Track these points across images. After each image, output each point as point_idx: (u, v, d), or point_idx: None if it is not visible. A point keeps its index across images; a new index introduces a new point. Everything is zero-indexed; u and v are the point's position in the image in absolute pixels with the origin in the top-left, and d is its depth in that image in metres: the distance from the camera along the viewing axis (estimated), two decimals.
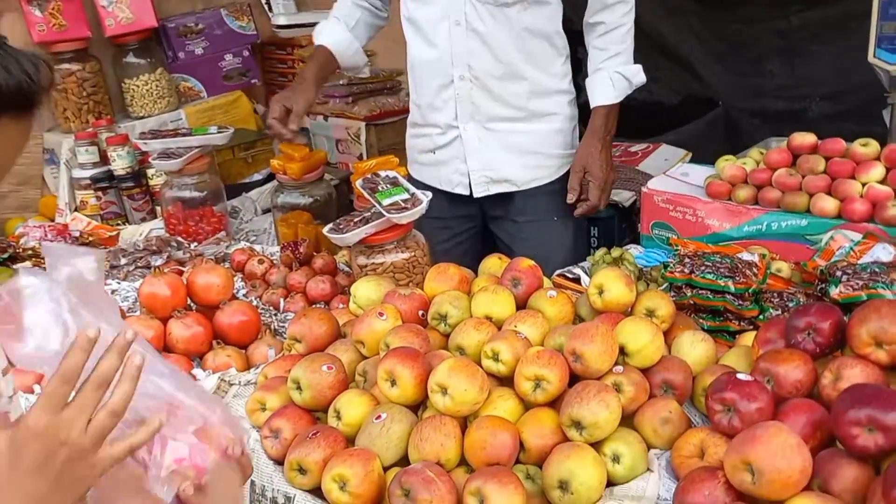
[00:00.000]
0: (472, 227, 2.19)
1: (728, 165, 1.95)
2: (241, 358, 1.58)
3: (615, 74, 2.05)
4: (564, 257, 2.05)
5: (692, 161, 2.83)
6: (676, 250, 1.70)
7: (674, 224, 1.95)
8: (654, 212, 1.98)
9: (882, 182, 1.75)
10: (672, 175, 2.09)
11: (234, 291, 1.76)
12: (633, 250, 1.99)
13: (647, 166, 2.85)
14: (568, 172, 2.11)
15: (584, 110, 2.17)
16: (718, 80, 3.95)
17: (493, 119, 2.03)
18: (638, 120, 3.98)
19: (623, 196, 2.58)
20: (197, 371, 1.52)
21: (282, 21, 3.15)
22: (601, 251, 1.85)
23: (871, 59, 2.07)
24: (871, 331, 1.14)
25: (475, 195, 2.09)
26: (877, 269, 1.51)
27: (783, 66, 3.80)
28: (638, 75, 2.09)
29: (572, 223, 2.16)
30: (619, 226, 2.60)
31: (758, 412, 1.11)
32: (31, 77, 0.75)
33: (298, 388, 1.31)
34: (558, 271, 1.86)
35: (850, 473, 1.00)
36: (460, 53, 1.97)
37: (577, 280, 1.81)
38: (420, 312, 1.51)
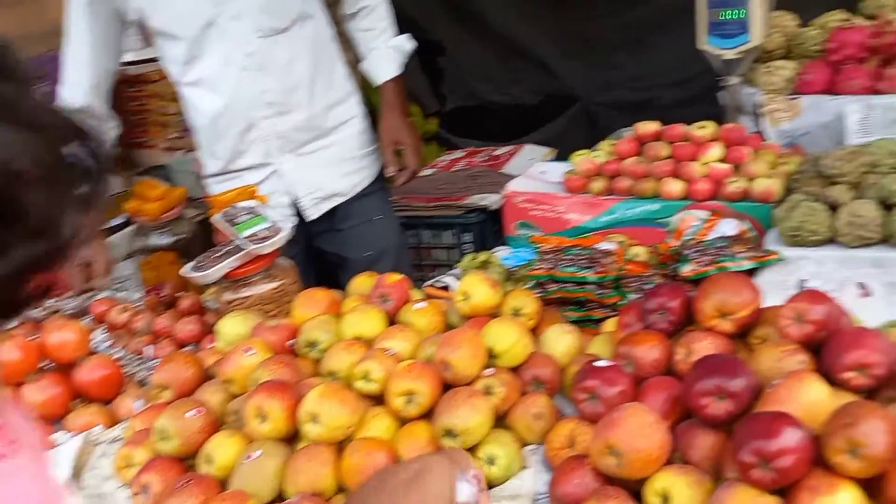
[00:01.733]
0: (297, 253, 2.19)
1: (581, 160, 2.01)
2: (107, 414, 1.51)
3: (389, 49, 2.19)
4: (397, 253, 2.22)
5: (559, 158, 2.93)
6: (538, 247, 1.74)
7: (537, 222, 2.00)
8: (516, 212, 2.03)
9: (721, 161, 1.86)
10: (531, 175, 2.15)
11: (95, 345, 1.68)
12: (502, 252, 2.02)
13: (512, 168, 2.92)
14: (380, 170, 2.24)
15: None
16: (574, 77, 4.09)
17: (303, 143, 2.08)
18: (501, 123, 4.10)
19: (491, 199, 2.63)
20: (58, 434, 1.44)
21: (129, 57, 3.05)
22: (468, 257, 1.87)
23: (700, 46, 2.19)
24: (714, 303, 1.20)
25: (309, 218, 2.14)
26: (721, 244, 1.60)
27: (631, 58, 3.97)
28: (407, 43, 2.25)
29: (394, 218, 2.33)
30: (490, 229, 2.64)
31: (619, 395, 1.15)
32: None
33: (165, 437, 1.26)
34: (428, 282, 1.87)
35: (705, 442, 1.04)
36: (255, 94, 1.99)
37: (446, 288, 1.82)
38: (290, 342, 1.48)
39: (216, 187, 2.17)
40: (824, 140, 2.01)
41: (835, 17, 2.27)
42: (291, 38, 1.97)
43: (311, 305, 1.55)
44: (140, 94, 3.13)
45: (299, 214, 2.14)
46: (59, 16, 2.05)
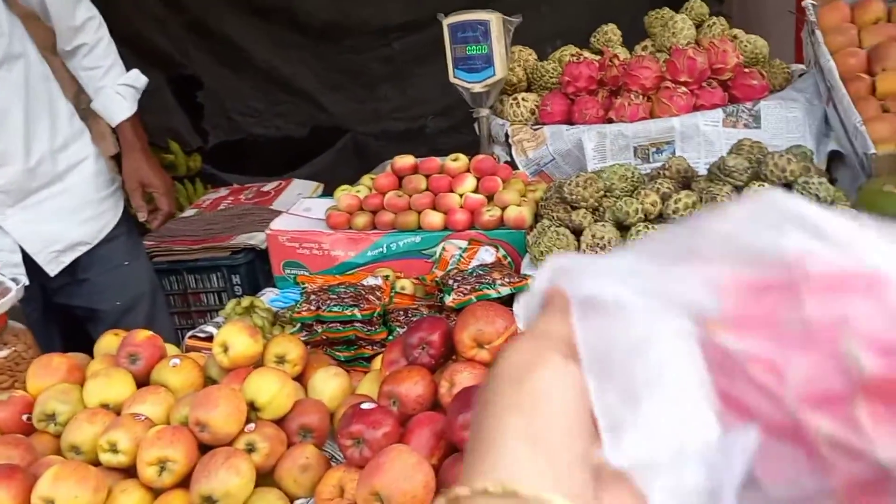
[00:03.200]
0: (33, 311, 1.99)
1: (344, 195, 2.00)
2: None
3: (121, 87, 2.06)
4: (152, 300, 2.10)
5: (328, 191, 2.91)
6: (304, 288, 1.70)
7: (303, 260, 1.96)
8: (282, 252, 1.97)
9: (476, 191, 1.93)
10: (295, 212, 2.10)
11: None
12: (269, 294, 1.96)
13: (280, 204, 2.85)
14: (124, 213, 2.11)
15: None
16: (341, 109, 4.12)
17: (29, 194, 1.89)
18: (267, 157, 4.02)
19: (258, 238, 2.55)
20: None
21: None
22: (232, 303, 1.79)
23: (451, 79, 2.27)
24: (471, 334, 1.23)
25: (52, 273, 1.96)
26: (480, 272, 1.65)
27: (395, 90, 4.07)
28: (139, 79, 2.12)
29: (146, 262, 2.22)
30: (261, 269, 2.56)
31: (384, 437, 1.13)
32: None
33: None
34: (191, 333, 1.76)
35: None
36: None
37: (210, 338, 1.73)
38: (25, 417, 1.32)
39: None
40: (567, 166, 2.16)
41: (568, 52, 2.46)
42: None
43: (47, 373, 1.39)
44: None
45: (31, 268, 1.92)
46: None
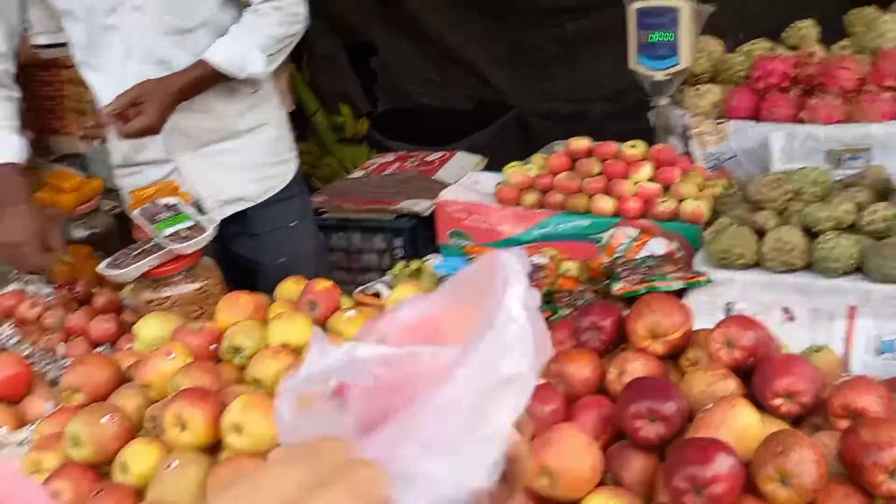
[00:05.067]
0: (212, 254, 2.11)
1: (514, 172, 2.02)
2: (13, 415, 1.42)
3: (245, 47, 1.90)
4: (315, 261, 2.11)
5: (489, 166, 2.94)
6: (471, 258, 1.73)
7: (469, 231, 2.00)
8: (449, 221, 2.02)
9: (651, 180, 1.89)
10: (464, 184, 2.14)
11: (1, 342, 1.58)
12: (434, 260, 2.01)
13: (443, 175, 2.91)
14: (295, 177, 2.13)
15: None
16: (508, 86, 4.12)
17: (206, 144, 1.97)
18: (433, 127, 4.09)
19: (422, 206, 2.61)
20: None
21: (42, 41, 2.89)
22: (400, 265, 1.85)
23: (631, 65, 2.23)
24: (646, 325, 1.21)
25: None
26: (652, 263, 1.62)
27: (564, 71, 4.03)
28: (256, 64, 1.90)
29: (310, 226, 2.23)
30: (421, 235, 2.62)
31: (551, 414, 1.14)
32: None
33: (77, 444, 1.19)
34: (359, 289, 1.84)
35: (637, 464, 1.05)
36: None
37: (378, 295, 1.79)
38: (212, 347, 1.43)
39: (122, 180, 2.07)
40: (749, 164, 2.08)
41: (759, 46, 2.35)
42: (197, 42, 1.85)
43: (235, 309, 1.49)
44: (54, 80, 2.97)
45: None
46: None
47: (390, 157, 3.23)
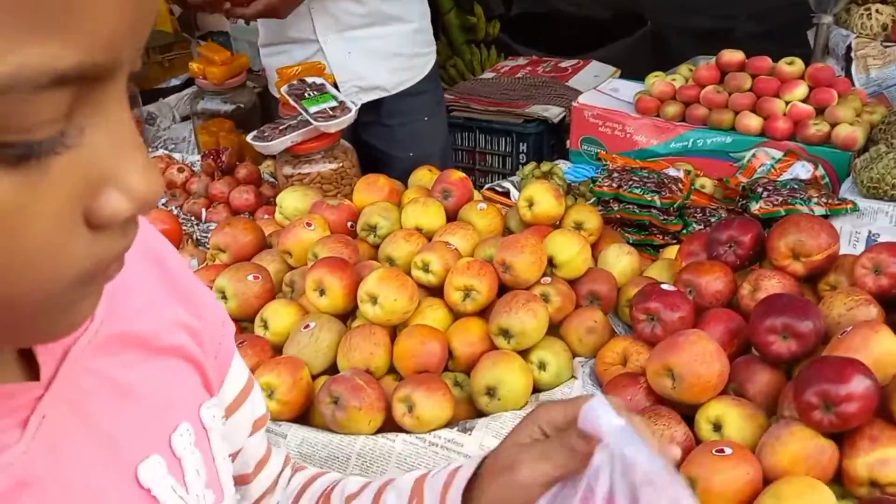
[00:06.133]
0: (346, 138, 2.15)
1: (658, 82, 1.95)
2: None
3: None
4: (442, 157, 2.13)
5: (623, 78, 2.84)
6: (605, 165, 1.71)
7: (602, 139, 1.96)
8: (583, 127, 1.98)
9: (805, 101, 1.79)
10: (602, 90, 2.09)
11: None
12: (562, 165, 1.99)
13: (576, 82, 2.83)
14: (431, 71, 2.14)
15: None
16: None
17: (352, 27, 1.98)
18: (564, 35, 3.97)
19: (552, 112, 2.57)
20: None
21: None
22: (530, 165, 1.84)
23: None
24: (789, 243, 1.18)
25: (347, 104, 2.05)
26: (795, 186, 1.56)
27: None
28: None
29: (441, 122, 2.24)
30: (547, 142, 2.59)
31: (679, 321, 1.14)
32: None
33: (224, 297, 1.28)
34: (488, 185, 1.85)
35: (763, 378, 1.04)
36: None
37: (506, 194, 1.81)
38: (349, 223, 1.49)
39: (268, 59, 2.12)
40: None
41: None
42: None
43: (372, 191, 1.54)
44: None
45: None
46: None
47: (522, 60, 3.17)
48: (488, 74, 3.05)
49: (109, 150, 0.33)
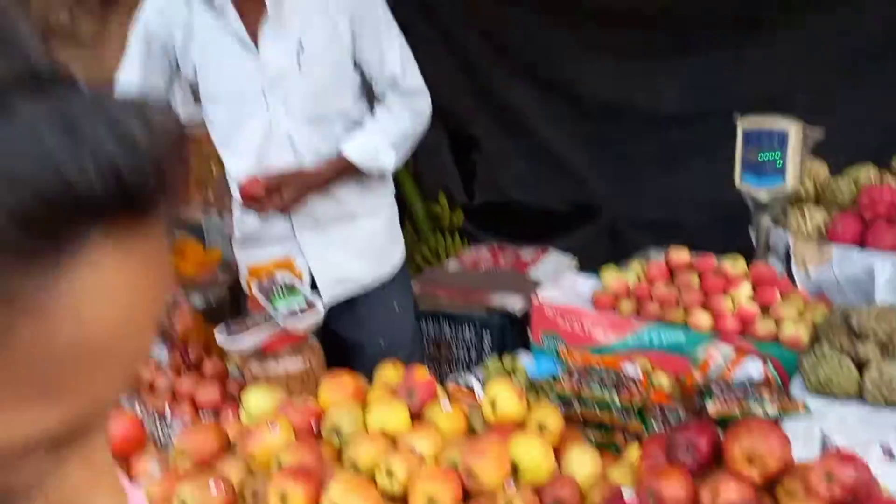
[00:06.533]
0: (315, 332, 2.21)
1: (612, 278, 2.05)
2: (122, 471, 1.50)
3: (378, 144, 2.04)
4: (411, 347, 2.22)
5: (580, 267, 2.98)
6: (566, 363, 1.76)
7: (563, 334, 2.03)
8: (544, 322, 2.06)
9: (751, 299, 1.89)
10: (561, 285, 2.18)
11: None
12: (525, 357, 2.04)
13: (536, 273, 2.96)
14: (404, 261, 2.25)
15: None
16: (603, 190, 4.18)
17: (328, 224, 2.10)
18: (525, 224, 4.17)
19: (514, 303, 2.66)
20: None
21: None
22: (494, 361, 1.89)
23: (738, 185, 2.26)
24: (743, 449, 1.21)
25: (328, 301, 2.10)
26: (748, 386, 1.62)
27: (661, 179, 4.07)
28: (387, 159, 2.06)
29: (411, 312, 2.32)
30: (510, 332, 2.66)
31: None
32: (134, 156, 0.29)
33: None
34: (451, 380, 1.88)
35: None
36: (286, 168, 2.00)
37: (469, 389, 1.84)
38: (313, 423, 1.49)
39: (241, 253, 2.20)
40: (851, 293, 2.05)
41: (865, 172, 2.34)
42: (332, 129, 2.00)
43: (337, 389, 1.56)
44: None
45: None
46: (115, 66, 2.11)
47: (484, 250, 3.31)
48: (453, 265, 3.17)
49: (83, 481, 0.33)
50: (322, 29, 1.95)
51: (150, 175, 0.28)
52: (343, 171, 2.03)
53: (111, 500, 0.34)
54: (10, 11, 0.30)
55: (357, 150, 2.02)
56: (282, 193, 1.95)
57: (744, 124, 2.26)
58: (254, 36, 1.93)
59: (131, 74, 2.03)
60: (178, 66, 2.03)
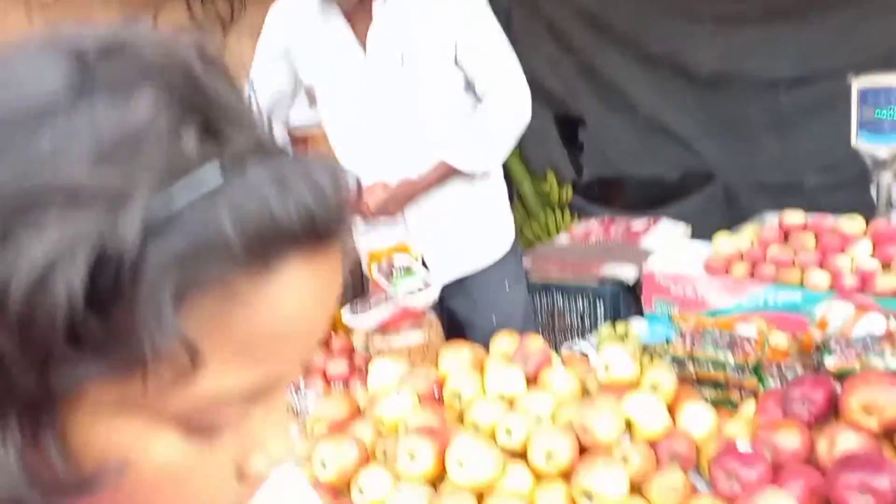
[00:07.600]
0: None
1: (724, 243, 2.05)
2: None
3: (480, 145, 2.11)
4: (523, 323, 2.22)
5: (694, 235, 2.95)
6: (678, 326, 1.78)
7: (675, 300, 2.04)
8: (655, 289, 2.08)
9: (870, 256, 1.85)
10: (671, 253, 2.19)
11: None
12: (638, 324, 2.07)
13: (648, 243, 2.95)
14: (513, 243, 2.28)
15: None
16: (714, 156, 4.10)
17: (438, 208, 2.17)
18: (637, 194, 4.15)
19: (627, 272, 2.68)
20: None
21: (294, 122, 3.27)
22: (607, 327, 1.93)
23: (854, 143, 2.19)
24: (861, 400, 1.22)
25: (438, 280, 2.17)
26: (868, 341, 1.59)
27: (775, 142, 3.95)
28: (489, 160, 2.14)
29: (522, 290, 2.35)
30: (623, 301, 2.68)
31: (757, 479, 1.18)
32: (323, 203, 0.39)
33: (324, 466, 1.39)
34: (566, 347, 1.94)
35: None
36: (396, 172, 2.10)
37: (584, 355, 1.89)
38: (435, 390, 1.59)
39: (362, 240, 2.32)
40: None
41: None
42: (433, 130, 2.08)
43: (456, 358, 1.65)
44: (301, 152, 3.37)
45: None
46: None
47: (594, 223, 3.32)
48: (563, 240, 3.21)
49: (264, 422, 0.42)
50: (425, 32, 2.04)
51: (333, 215, 0.39)
52: (446, 176, 2.12)
53: (281, 441, 0.44)
54: (249, 98, 0.41)
55: (459, 154, 2.10)
56: (388, 207, 2.10)
57: (859, 83, 2.20)
58: (362, 42, 2.05)
59: (261, 83, 2.21)
60: (297, 72, 2.19)
